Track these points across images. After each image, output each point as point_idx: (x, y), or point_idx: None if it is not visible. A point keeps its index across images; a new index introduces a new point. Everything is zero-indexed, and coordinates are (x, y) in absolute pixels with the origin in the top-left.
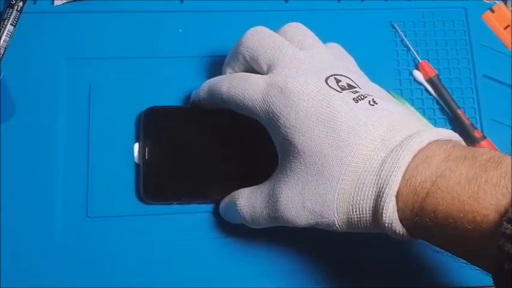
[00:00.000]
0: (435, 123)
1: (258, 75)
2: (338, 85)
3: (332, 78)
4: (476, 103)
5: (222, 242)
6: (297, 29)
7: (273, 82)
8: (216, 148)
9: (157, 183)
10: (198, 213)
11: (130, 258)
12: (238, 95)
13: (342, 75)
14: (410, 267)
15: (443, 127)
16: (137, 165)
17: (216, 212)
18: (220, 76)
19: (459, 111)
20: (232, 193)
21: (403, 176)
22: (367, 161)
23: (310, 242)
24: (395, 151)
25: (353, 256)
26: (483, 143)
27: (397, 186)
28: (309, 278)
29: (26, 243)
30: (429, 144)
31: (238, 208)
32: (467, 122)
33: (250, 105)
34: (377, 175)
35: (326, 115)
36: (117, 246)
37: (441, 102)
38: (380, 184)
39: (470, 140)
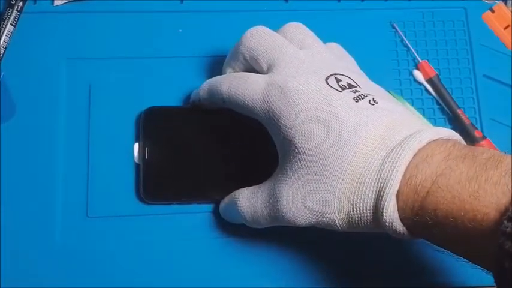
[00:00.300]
0: (435, 123)
1: (258, 74)
2: (338, 84)
3: (332, 77)
4: (476, 103)
5: (222, 242)
6: (297, 29)
7: (273, 81)
8: (216, 148)
9: (157, 183)
10: (198, 213)
11: (130, 258)
12: (238, 94)
13: (342, 74)
14: (410, 267)
15: (443, 127)
16: (137, 165)
17: (216, 212)
18: (220, 76)
19: (459, 111)
20: (232, 193)
21: (404, 175)
22: (368, 160)
23: (310, 242)
24: (396, 150)
25: (353, 256)
26: (483, 143)
27: (398, 185)
28: (309, 278)
29: (26, 243)
30: (429, 143)
31: (239, 208)
32: (467, 122)
33: (251, 104)
34: (377, 174)
35: (326, 114)
36: (117, 246)
37: (441, 102)
38: (380, 183)
39: (470, 140)
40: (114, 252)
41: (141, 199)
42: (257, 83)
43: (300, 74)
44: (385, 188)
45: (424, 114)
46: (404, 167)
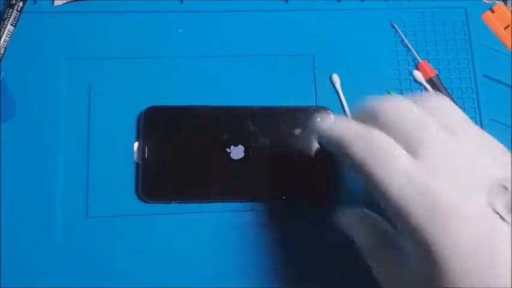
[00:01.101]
0: None
1: (402, 158)
2: (499, 202)
3: (495, 190)
4: (476, 103)
5: (222, 242)
6: (442, 105)
7: (418, 180)
8: (215, 148)
9: (157, 182)
10: (198, 213)
11: (130, 258)
12: (372, 176)
13: (502, 182)
14: None
15: None
16: (137, 165)
17: (215, 212)
18: (355, 128)
19: None
20: None
21: None
22: None
23: (311, 242)
24: None
25: (353, 256)
26: None
27: None
28: (309, 278)
29: (26, 243)
30: None
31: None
32: None
33: (382, 195)
34: None
35: (487, 251)
36: (117, 246)
37: None
38: None
39: None
40: (114, 252)
41: (140, 198)
42: (398, 171)
43: (458, 185)
44: None
45: None
46: None
